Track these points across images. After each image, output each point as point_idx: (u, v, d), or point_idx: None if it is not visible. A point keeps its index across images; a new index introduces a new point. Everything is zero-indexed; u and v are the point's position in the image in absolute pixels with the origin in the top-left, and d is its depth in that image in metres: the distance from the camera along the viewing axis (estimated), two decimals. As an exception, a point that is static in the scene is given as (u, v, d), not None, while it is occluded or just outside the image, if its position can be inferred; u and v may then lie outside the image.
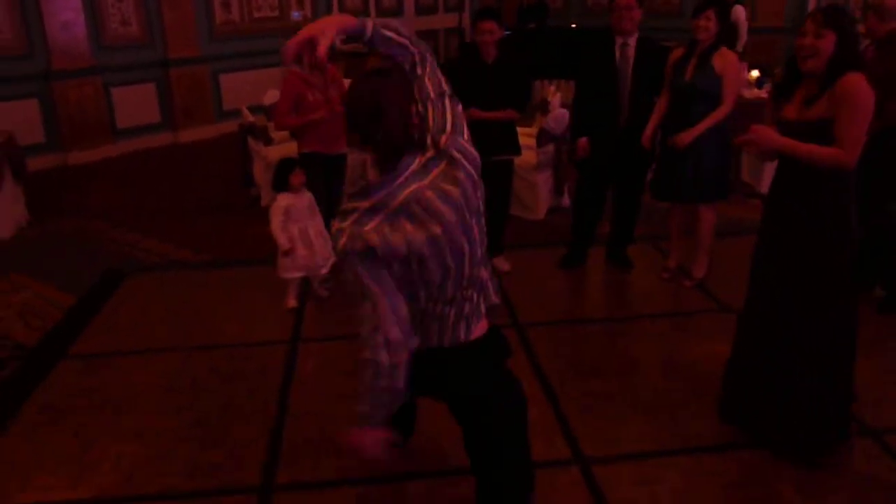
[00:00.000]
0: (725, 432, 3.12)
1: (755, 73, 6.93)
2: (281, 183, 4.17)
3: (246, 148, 6.48)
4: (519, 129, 4.73)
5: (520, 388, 2.30)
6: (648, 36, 4.40)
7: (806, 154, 2.65)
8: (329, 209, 4.39)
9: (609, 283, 4.89)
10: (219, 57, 9.24)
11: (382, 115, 1.83)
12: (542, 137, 5.76)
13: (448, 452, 2.96)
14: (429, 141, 1.91)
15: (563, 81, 7.90)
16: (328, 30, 1.90)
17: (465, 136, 1.96)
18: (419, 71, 2.00)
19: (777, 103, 2.88)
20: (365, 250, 1.83)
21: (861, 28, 3.67)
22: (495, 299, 2.23)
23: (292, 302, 4.38)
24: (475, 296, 2.09)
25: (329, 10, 10.49)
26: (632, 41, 4.31)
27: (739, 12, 7.92)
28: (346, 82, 4.31)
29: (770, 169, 3.85)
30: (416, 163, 1.88)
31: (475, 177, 1.96)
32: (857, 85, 2.59)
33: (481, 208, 2.00)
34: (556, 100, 6.27)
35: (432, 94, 1.96)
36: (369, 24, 1.98)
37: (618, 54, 4.32)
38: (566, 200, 6.00)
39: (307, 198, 4.23)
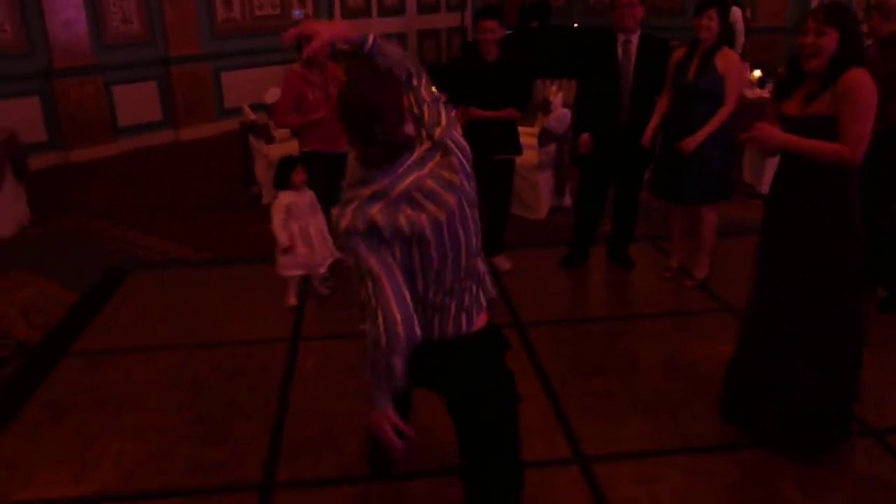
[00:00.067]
0: (726, 432, 3.12)
1: (757, 73, 6.93)
2: (282, 181, 4.17)
3: (247, 146, 6.48)
4: (521, 129, 4.73)
5: (514, 384, 2.31)
6: (651, 33, 4.39)
7: (809, 150, 2.64)
8: (331, 207, 4.39)
9: (610, 282, 4.89)
10: (220, 55, 9.24)
11: (382, 115, 1.87)
12: (544, 137, 5.75)
13: (449, 452, 2.95)
14: (424, 134, 1.99)
15: (565, 81, 7.89)
16: (325, 33, 2.04)
17: (458, 131, 2.04)
18: (415, 82, 2.10)
19: (779, 101, 2.87)
20: (368, 229, 1.87)
21: (864, 28, 3.66)
22: (493, 293, 2.25)
23: (293, 300, 4.38)
24: (474, 287, 2.13)
25: (330, 8, 10.49)
26: (634, 39, 4.30)
27: (736, 14, 7.92)
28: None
29: (771, 169, 3.85)
30: (414, 154, 1.93)
31: (468, 168, 2.02)
32: (860, 81, 2.59)
33: (475, 199, 2.05)
34: (558, 99, 6.27)
35: (427, 99, 2.07)
36: (370, 38, 2.09)
37: (620, 52, 4.31)
38: (567, 200, 6.00)
39: (309, 196, 4.23)
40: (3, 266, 5.13)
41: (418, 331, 1.93)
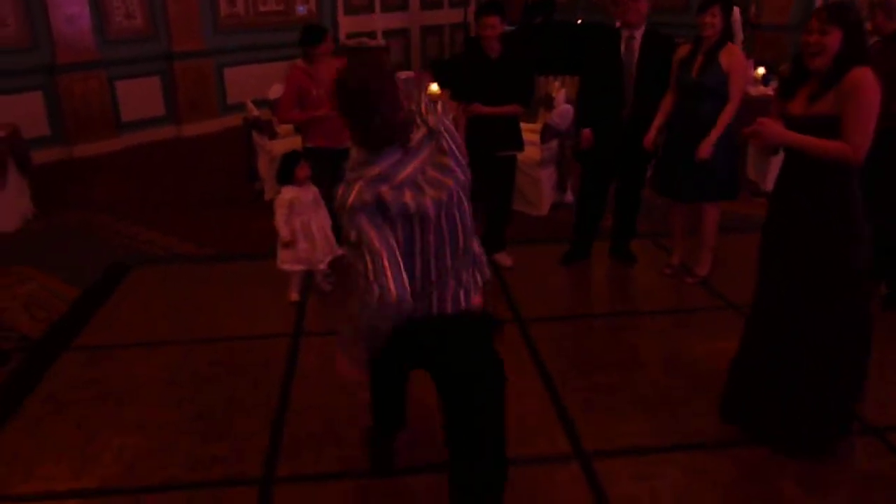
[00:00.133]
0: (726, 430, 3.12)
1: (761, 71, 6.91)
2: (286, 176, 4.17)
3: (250, 142, 6.49)
4: (523, 125, 4.73)
5: (503, 367, 2.36)
6: (655, 29, 4.37)
7: (811, 148, 2.64)
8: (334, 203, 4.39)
9: (612, 278, 4.88)
10: (223, 50, 9.23)
11: (381, 100, 1.98)
12: (547, 133, 5.75)
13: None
14: (418, 120, 2.09)
15: (568, 77, 7.87)
16: None
17: (450, 120, 2.19)
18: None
19: (782, 99, 2.87)
20: (376, 204, 1.96)
21: (868, 26, 3.65)
22: (488, 274, 2.36)
23: (294, 296, 4.39)
24: (471, 267, 2.24)
25: (333, 5, 10.48)
26: (638, 34, 4.29)
27: (735, 13, 7.89)
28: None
29: (775, 166, 3.84)
30: (414, 139, 2.06)
31: (457, 153, 2.14)
32: (865, 80, 2.58)
33: (466, 183, 2.16)
34: (561, 95, 6.26)
35: (425, 100, 2.18)
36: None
37: (623, 47, 4.30)
38: (570, 196, 5.99)
39: (312, 191, 4.24)
40: (7, 260, 5.14)
41: (410, 304, 2.00)
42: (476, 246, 2.27)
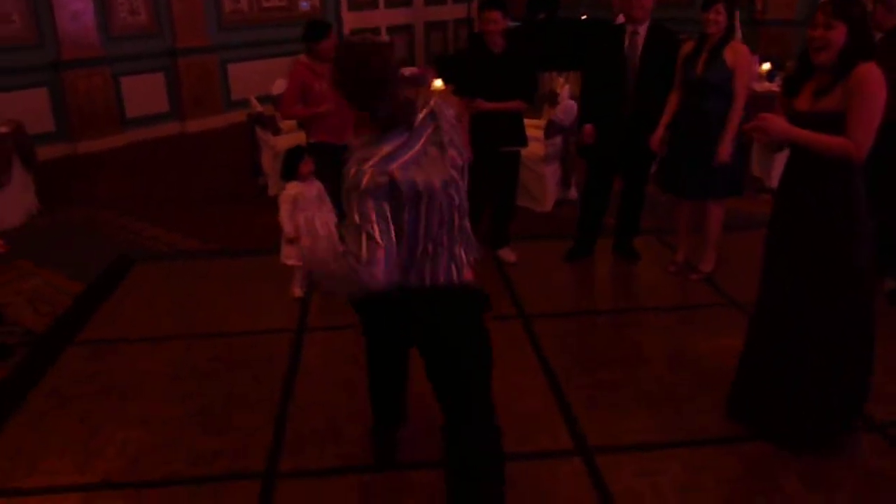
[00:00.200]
0: (730, 426, 3.12)
1: (766, 66, 6.88)
2: (290, 172, 4.17)
3: (254, 137, 6.49)
4: (527, 121, 4.72)
5: (490, 342, 2.40)
6: (660, 24, 4.35)
7: (814, 143, 2.62)
8: (339, 199, 4.39)
9: (616, 275, 4.87)
10: (227, 46, 9.24)
11: (387, 77, 2.10)
12: (551, 129, 5.74)
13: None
14: (420, 102, 2.17)
15: (573, 73, 7.86)
16: None
17: (450, 105, 2.29)
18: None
19: (788, 95, 2.85)
20: (387, 185, 2.02)
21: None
22: (478, 254, 2.44)
23: (298, 291, 4.39)
24: (463, 243, 2.33)
25: (337, 1, 10.47)
26: (642, 30, 4.27)
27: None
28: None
29: (780, 164, 3.82)
30: (419, 118, 2.14)
31: (455, 140, 2.23)
32: (870, 76, 2.56)
33: (461, 165, 2.25)
34: (565, 91, 6.25)
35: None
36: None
37: (627, 43, 4.28)
38: (574, 192, 5.98)
39: (316, 187, 4.23)
40: (11, 256, 5.15)
41: (396, 274, 2.10)
42: (468, 225, 2.36)
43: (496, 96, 4.34)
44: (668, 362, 3.67)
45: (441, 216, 2.17)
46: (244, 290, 4.56)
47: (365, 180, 2.02)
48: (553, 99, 6.25)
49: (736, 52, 4.05)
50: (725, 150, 4.07)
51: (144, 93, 8.61)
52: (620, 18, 5.02)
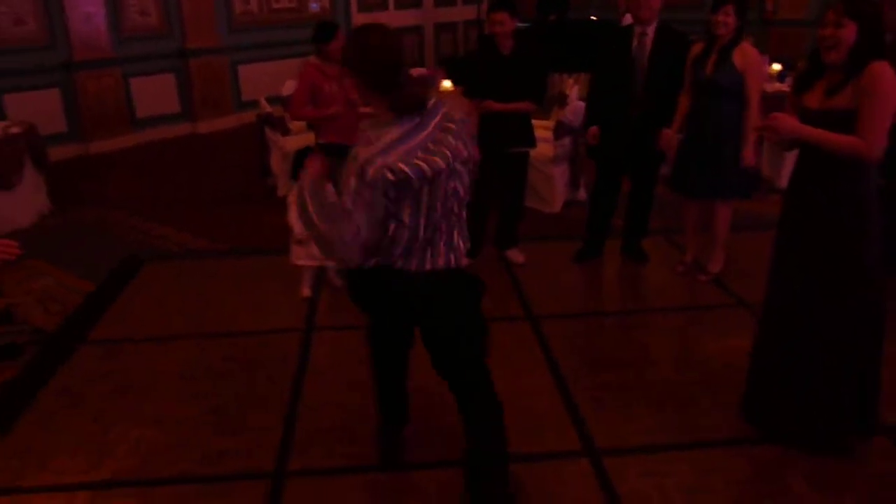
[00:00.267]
0: (738, 427, 3.11)
1: (777, 67, 6.85)
2: (299, 172, 4.18)
3: (263, 138, 6.52)
4: (536, 122, 4.72)
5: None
6: (669, 25, 4.34)
7: (825, 142, 2.61)
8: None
9: (624, 276, 4.87)
10: (237, 48, 9.29)
11: (403, 63, 2.19)
12: (560, 130, 5.74)
13: (458, 444, 2.97)
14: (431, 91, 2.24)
15: (582, 74, 7.85)
16: None
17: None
18: None
19: (798, 94, 2.84)
20: (392, 181, 2.08)
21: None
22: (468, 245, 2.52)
23: (307, 291, 4.41)
24: (460, 230, 2.41)
25: (347, 2, 10.50)
26: (650, 31, 4.25)
27: None
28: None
29: (789, 164, 3.81)
30: (428, 104, 2.22)
31: (462, 132, 2.29)
32: (883, 75, 2.54)
33: (472, 161, 2.35)
34: (574, 92, 6.24)
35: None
36: None
37: (635, 43, 4.28)
38: (583, 194, 5.97)
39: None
40: (22, 255, 5.18)
41: (373, 253, 2.24)
42: (464, 215, 2.45)
43: (505, 97, 4.34)
44: (676, 363, 3.67)
45: (444, 204, 2.24)
46: (253, 289, 4.59)
47: (371, 172, 2.08)
48: (562, 100, 6.25)
49: (745, 55, 4.04)
50: (749, 153, 4.08)
51: (155, 93, 8.66)
52: (627, 19, 5.02)
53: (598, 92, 4.53)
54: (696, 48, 4.18)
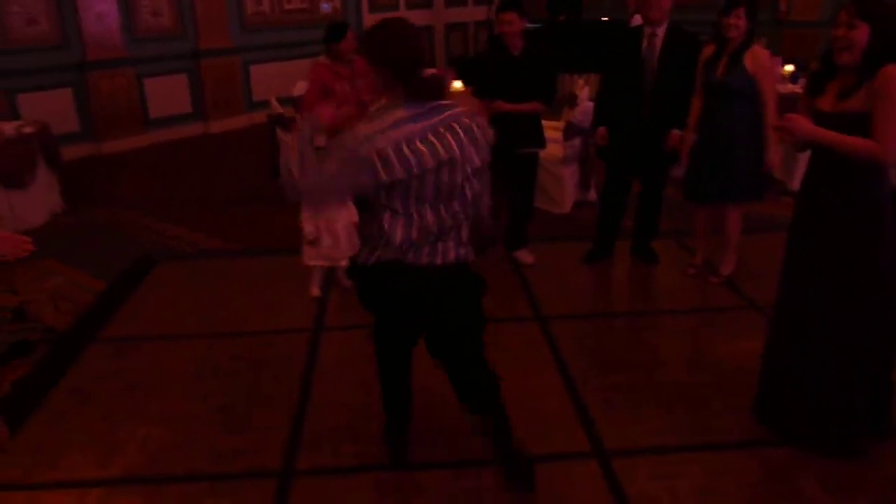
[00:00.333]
0: (749, 429, 3.09)
1: (789, 68, 6.81)
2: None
3: (274, 139, 6.53)
4: (546, 123, 4.71)
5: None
6: (679, 26, 4.31)
7: (840, 144, 2.59)
8: (360, 200, 4.41)
9: (634, 277, 4.85)
10: (249, 48, 9.32)
11: (423, 55, 2.27)
12: (570, 131, 5.72)
13: (465, 444, 2.97)
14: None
15: (593, 75, 7.83)
16: None
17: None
18: None
19: (811, 96, 2.82)
20: (378, 164, 2.13)
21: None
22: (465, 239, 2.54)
23: (316, 291, 4.42)
24: (466, 229, 2.46)
25: (358, 2, 10.52)
26: (660, 31, 4.23)
27: None
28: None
29: (801, 166, 3.78)
30: (442, 100, 2.27)
31: (479, 138, 2.35)
32: (895, 77, 2.52)
33: (484, 167, 2.41)
34: (584, 93, 6.22)
35: None
36: None
37: (645, 44, 4.26)
38: (593, 194, 5.96)
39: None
40: (35, 254, 5.22)
41: (373, 251, 2.37)
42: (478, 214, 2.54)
43: (515, 98, 4.34)
44: (686, 365, 3.65)
45: (454, 192, 2.30)
46: (264, 289, 4.60)
47: (364, 150, 2.13)
48: (572, 101, 6.23)
49: (755, 58, 4.00)
50: (773, 155, 4.09)
51: (167, 94, 8.71)
52: (636, 19, 4.99)
53: (608, 93, 4.51)
54: (708, 50, 4.15)
